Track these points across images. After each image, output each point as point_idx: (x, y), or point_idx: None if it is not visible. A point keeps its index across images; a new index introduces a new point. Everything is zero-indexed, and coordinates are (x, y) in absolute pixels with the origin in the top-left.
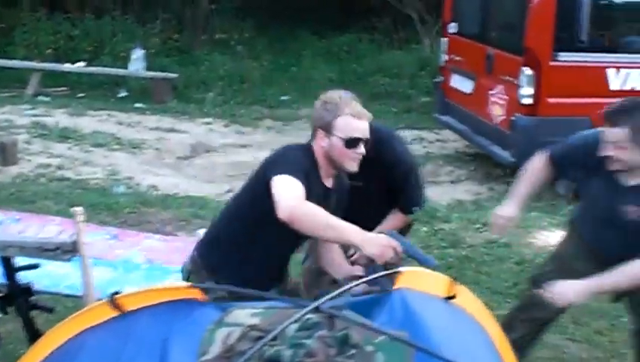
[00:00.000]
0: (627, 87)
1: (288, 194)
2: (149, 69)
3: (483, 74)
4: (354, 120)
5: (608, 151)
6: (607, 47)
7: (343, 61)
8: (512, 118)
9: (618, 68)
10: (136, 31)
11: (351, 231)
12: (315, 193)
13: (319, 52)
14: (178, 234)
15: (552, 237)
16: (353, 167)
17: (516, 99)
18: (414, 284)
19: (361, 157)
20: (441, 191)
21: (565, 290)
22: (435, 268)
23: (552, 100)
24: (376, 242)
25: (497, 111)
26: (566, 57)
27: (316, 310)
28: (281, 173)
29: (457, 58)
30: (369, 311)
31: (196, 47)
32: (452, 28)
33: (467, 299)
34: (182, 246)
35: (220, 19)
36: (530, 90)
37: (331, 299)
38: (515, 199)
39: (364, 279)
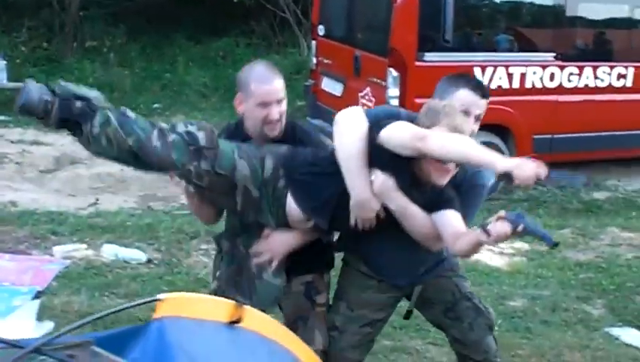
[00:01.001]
0: (493, 86)
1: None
2: (13, 79)
3: (352, 76)
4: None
5: None
6: (473, 47)
7: (219, 66)
8: None
9: (484, 67)
10: None
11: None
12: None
13: (194, 57)
14: (33, 252)
15: None
16: (440, 181)
17: (384, 101)
18: (184, 311)
19: (450, 173)
20: None
21: None
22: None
23: (419, 100)
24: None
25: None
26: (431, 57)
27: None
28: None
29: (327, 61)
30: (123, 345)
31: (66, 55)
32: (320, 30)
33: (259, 321)
34: (34, 266)
35: (91, 26)
36: (397, 91)
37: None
38: None
39: None
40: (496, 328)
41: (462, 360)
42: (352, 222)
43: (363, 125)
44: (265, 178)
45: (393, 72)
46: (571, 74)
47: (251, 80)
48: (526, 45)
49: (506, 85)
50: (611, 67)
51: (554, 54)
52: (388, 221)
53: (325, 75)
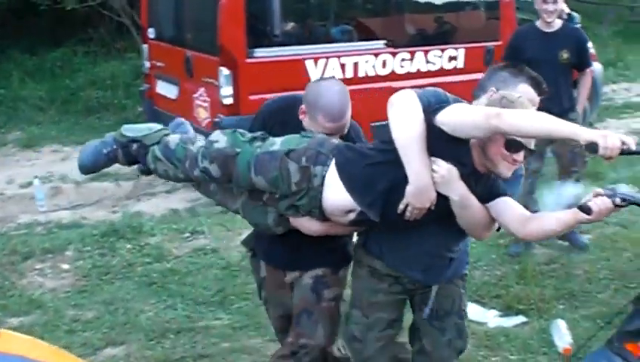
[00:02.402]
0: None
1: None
2: None
3: (185, 78)
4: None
5: None
6: (304, 39)
7: (56, 77)
8: (216, 119)
9: (316, 59)
10: None
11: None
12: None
13: (30, 71)
14: None
15: None
16: (506, 172)
17: (218, 100)
18: None
19: (517, 165)
20: (156, 203)
21: None
22: None
23: (253, 97)
24: (614, 135)
25: (202, 114)
26: (262, 53)
27: None
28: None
29: (160, 64)
30: None
31: None
32: (151, 33)
33: (11, 341)
34: None
35: None
36: (230, 90)
37: None
38: None
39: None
40: None
41: None
42: (402, 209)
43: (419, 107)
44: (292, 182)
45: (224, 71)
46: (403, 59)
47: (320, 110)
48: (357, 35)
49: (339, 75)
50: (442, 50)
51: (385, 41)
52: (432, 213)
53: (159, 78)
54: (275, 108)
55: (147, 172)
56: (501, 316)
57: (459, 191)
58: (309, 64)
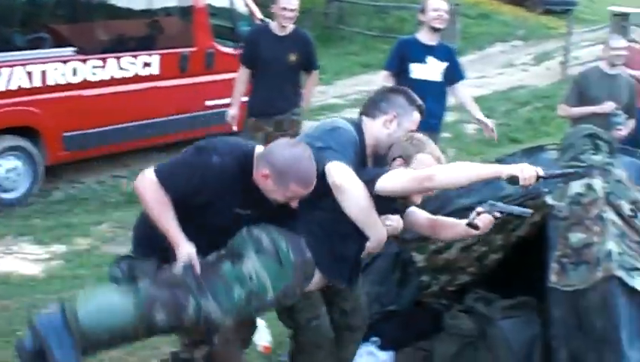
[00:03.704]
0: (14, 87)
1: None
2: None
3: None
4: (432, 160)
5: None
6: None
7: None
8: None
9: None
10: None
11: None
12: None
13: None
14: None
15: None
16: (418, 201)
17: None
18: None
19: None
20: None
21: None
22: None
23: None
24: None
25: None
26: None
27: None
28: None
29: None
30: None
31: None
32: None
33: None
34: None
35: None
36: None
37: None
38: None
39: None
40: None
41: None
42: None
43: (361, 184)
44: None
45: None
46: (95, 67)
47: (294, 178)
48: (46, 42)
49: (26, 85)
50: (135, 56)
51: (74, 48)
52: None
53: None
54: (234, 172)
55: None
56: None
57: (403, 228)
58: None
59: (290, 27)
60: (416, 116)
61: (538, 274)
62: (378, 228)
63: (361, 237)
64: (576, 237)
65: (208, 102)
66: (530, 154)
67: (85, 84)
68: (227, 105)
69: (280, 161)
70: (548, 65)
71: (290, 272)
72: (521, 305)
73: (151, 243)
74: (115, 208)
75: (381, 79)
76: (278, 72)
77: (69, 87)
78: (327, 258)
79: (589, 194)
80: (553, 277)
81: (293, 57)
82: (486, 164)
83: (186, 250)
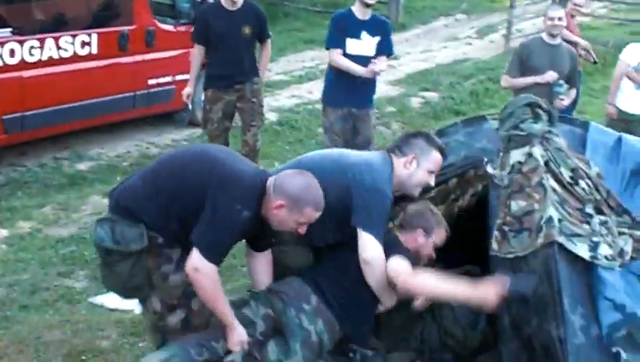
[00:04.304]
0: None
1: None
2: None
3: None
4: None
5: None
6: None
7: None
8: None
9: None
10: None
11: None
12: None
13: None
14: None
15: None
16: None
17: None
18: None
19: None
20: None
21: None
22: None
23: None
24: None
25: None
26: None
27: None
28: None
29: None
30: None
31: None
32: None
33: None
34: None
35: None
36: None
37: None
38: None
39: None
40: None
41: None
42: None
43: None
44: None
45: None
46: (32, 47)
47: (310, 203)
48: None
49: None
50: (73, 36)
51: (11, 29)
52: None
53: None
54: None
55: None
56: None
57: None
58: None
59: (240, 1)
60: (436, 156)
61: (483, 245)
62: (390, 297)
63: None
64: (518, 204)
65: (150, 81)
66: (471, 124)
67: (23, 66)
68: (169, 84)
69: (293, 189)
70: (491, 38)
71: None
72: (465, 273)
73: (144, 215)
74: (57, 191)
75: (334, 57)
76: (233, 46)
77: (6, 68)
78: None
79: (529, 163)
80: (495, 245)
81: (247, 30)
82: (463, 289)
83: (239, 336)
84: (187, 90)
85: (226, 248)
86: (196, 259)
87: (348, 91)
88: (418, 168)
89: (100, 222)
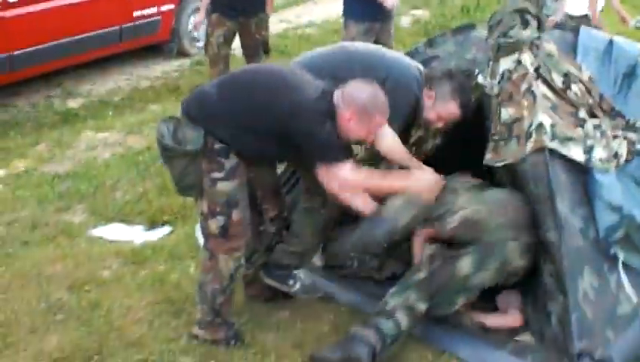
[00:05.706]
0: None
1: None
2: None
3: None
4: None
5: None
6: None
7: None
8: None
9: None
10: None
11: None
12: None
13: None
14: None
15: None
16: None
17: None
18: None
19: None
20: None
21: None
22: None
23: None
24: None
25: None
26: None
27: None
28: None
29: None
30: None
31: None
32: None
33: None
34: None
35: None
36: None
37: None
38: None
39: None
40: None
41: None
42: None
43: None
44: None
45: None
46: None
47: (379, 110)
48: None
49: None
50: None
51: None
52: None
53: None
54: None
55: None
56: (147, 230)
57: None
58: None
59: None
60: (453, 106)
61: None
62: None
63: None
64: (507, 112)
65: (135, 13)
66: (460, 32)
67: (6, 5)
68: (154, 15)
69: (362, 99)
70: None
71: None
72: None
73: (208, 122)
74: (50, 128)
75: None
76: None
77: None
78: None
79: (518, 70)
80: (488, 155)
81: None
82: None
83: (427, 173)
84: (197, 18)
85: (342, 147)
86: (334, 176)
87: (370, 4)
88: (432, 108)
89: (164, 120)
